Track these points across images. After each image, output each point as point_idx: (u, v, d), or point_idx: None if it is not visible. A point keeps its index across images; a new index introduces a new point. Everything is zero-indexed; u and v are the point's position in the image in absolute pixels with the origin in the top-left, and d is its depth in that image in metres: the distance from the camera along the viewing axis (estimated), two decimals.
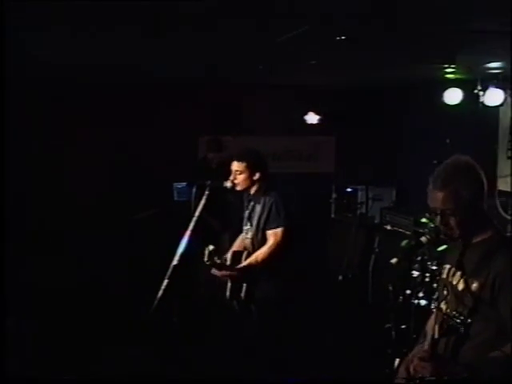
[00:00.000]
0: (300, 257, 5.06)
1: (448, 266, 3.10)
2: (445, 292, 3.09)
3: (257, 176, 4.94)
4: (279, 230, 4.84)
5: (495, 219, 3.04)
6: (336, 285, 7.74)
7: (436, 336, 2.89)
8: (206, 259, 4.62)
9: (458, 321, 2.85)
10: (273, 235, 4.85)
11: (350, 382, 5.38)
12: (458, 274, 2.99)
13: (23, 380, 4.40)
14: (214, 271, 4.87)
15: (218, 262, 4.81)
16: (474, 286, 2.86)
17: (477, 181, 2.94)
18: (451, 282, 3.02)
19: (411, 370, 3.00)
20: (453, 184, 2.92)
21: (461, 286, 2.94)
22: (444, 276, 3.12)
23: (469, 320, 2.83)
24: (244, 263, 4.89)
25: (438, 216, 2.97)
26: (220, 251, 5.03)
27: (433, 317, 3.25)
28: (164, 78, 7.46)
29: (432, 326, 3.13)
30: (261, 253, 4.86)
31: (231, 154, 5.19)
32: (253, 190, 5.02)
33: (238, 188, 4.98)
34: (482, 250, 2.89)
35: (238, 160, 4.94)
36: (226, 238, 7.05)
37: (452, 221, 2.94)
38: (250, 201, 5.12)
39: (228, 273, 4.88)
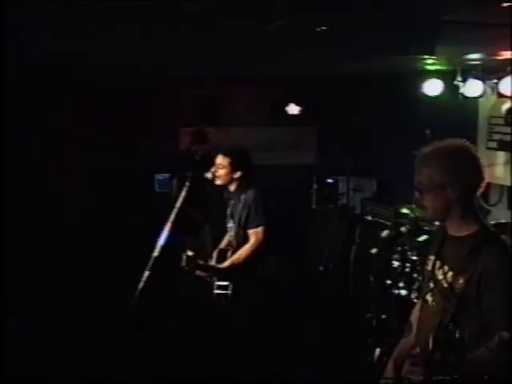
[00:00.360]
0: (281, 250, 5.08)
1: (433, 258, 3.07)
2: (431, 285, 3.07)
3: (238, 174, 4.95)
4: (260, 229, 4.87)
5: (479, 211, 3.02)
6: (317, 275, 7.77)
7: (430, 347, 2.89)
8: (184, 264, 4.60)
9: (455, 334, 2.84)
10: (254, 234, 4.88)
11: (332, 371, 5.42)
12: (445, 268, 2.96)
13: (23, 380, 4.37)
14: (199, 273, 4.88)
15: (201, 263, 4.81)
16: (460, 283, 2.82)
17: (456, 165, 2.86)
18: (436, 276, 3.00)
19: (403, 372, 3.00)
20: (430, 161, 2.88)
21: (446, 283, 2.91)
22: (429, 268, 3.08)
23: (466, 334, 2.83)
24: (227, 263, 4.91)
25: (416, 191, 2.95)
26: (201, 243, 5.05)
27: (417, 307, 3.25)
28: (146, 70, 7.41)
29: (416, 317, 3.15)
30: (243, 251, 4.89)
31: (215, 145, 5.19)
32: (232, 187, 5.02)
33: (218, 182, 4.99)
34: (468, 246, 2.84)
35: (224, 154, 4.95)
36: (207, 230, 7.05)
37: (424, 198, 2.92)
38: (229, 198, 5.13)
39: (211, 274, 4.89)
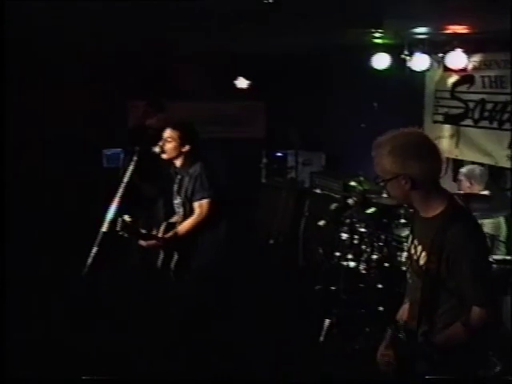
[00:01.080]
0: (230, 224, 5.09)
1: (411, 237, 3.14)
2: (409, 263, 3.16)
3: (186, 148, 4.93)
4: (204, 202, 4.86)
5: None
6: (267, 249, 7.81)
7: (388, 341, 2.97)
8: (118, 229, 4.55)
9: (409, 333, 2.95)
10: (198, 207, 4.88)
11: (281, 342, 5.47)
12: (418, 248, 3.02)
13: (23, 380, 4.29)
14: (141, 242, 4.86)
15: (143, 232, 4.78)
16: (432, 262, 2.88)
17: (408, 156, 2.85)
18: (413, 255, 3.06)
19: (379, 356, 3.10)
20: (380, 154, 2.89)
21: (421, 262, 2.97)
22: (407, 247, 3.18)
23: (419, 332, 2.93)
24: (169, 233, 4.90)
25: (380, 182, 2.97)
26: (154, 218, 5.02)
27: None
28: (95, 43, 7.28)
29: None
30: (187, 223, 4.90)
31: (167, 123, 5.14)
32: (179, 162, 5.00)
33: (165, 156, 4.96)
34: (435, 226, 2.88)
35: (173, 128, 4.93)
36: (159, 206, 7.00)
37: (386, 187, 2.96)
38: (176, 174, 5.11)
39: (154, 242, 4.87)
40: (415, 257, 3.02)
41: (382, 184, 2.96)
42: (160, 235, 4.95)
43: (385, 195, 6.25)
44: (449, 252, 2.81)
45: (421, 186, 2.86)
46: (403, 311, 3.23)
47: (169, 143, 4.92)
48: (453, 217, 2.86)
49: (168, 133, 4.93)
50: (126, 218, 4.56)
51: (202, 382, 4.68)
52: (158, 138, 5.02)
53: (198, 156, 4.99)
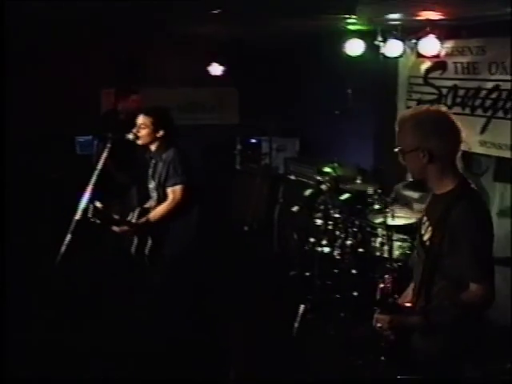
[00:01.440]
0: (205, 210, 5.09)
1: (423, 215, 3.26)
2: (419, 240, 3.26)
3: (160, 133, 4.93)
4: (177, 188, 4.86)
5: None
6: (242, 235, 7.82)
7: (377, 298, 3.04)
8: (89, 215, 4.53)
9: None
10: (171, 192, 4.88)
11: (256, 328, 5.49)
12: (427, 224, 3.14)
13: (23, 380, 4.25)
14: (114, 228, 4.84)
15: (116, 218, 4.77)
16: (437, 237, 2.99)
17: (429, 131, 3.00)
18: (420, 230, 3.20)
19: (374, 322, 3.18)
20: (404, 127, 3.06)
21: (426, 237, 3.10)
22: (419, 225, 3.29)
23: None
24: (142, 219, 4.89)
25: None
26: (128, 205, 5.00)
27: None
28: (67, 30, 7.19)
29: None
30: (159, 209, 4.90)
31: (139, 105, 5.12)
32: (154, 147, 5.00)
33: (140, 142, 4.97)
34: (445, 203, 3.01)
35: (146, 114, 4.93)
36: (133, 193, 6.97)
37: (403, 160, 3.11)
38: (151, 158, 5.10)
39: (126, 228, 4.86)
40: (422, 231, 3.15)
41: (401, 156, 3.11)
42: (134, 220, 4.94)
43: (359, 181, 6.30)
44: (452, 229, 2.92)
45: (437, 161, 3.02)
46: (407, 293, 3.34)
47: (142, 129, 4.92)
48: (460, 195, 3.00)
49: (141, 119, 4.92)
50: (98, 204, 4.54)
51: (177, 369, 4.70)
52: (131, 123, 5.00)
53: (172, 141, 4.98)
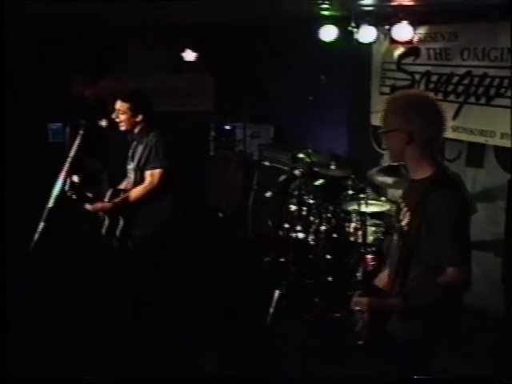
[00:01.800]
0: (177, 195, 5.08)
1: (400, 200, 3.27)
2: (396, 225, 3.27)
3: (139, 118, 4.92)
4: (157, 172, 4.85)
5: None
6: (216, 222, 7.82)
7: (359, 278, 3.04)
8: (67, 189, 4.52)
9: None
10: (150, 175, 4.87)
11: (231, 314, 5.51)
12: (405, 209, 3.16)
13: (23, 380, 4.20)
14: (87, 206, 4.82)
15: (90, 195, 4.74)
16: (415, 222, 3.01)
17: (413, 113, 3.03)
18: (398, 215, 3.21)
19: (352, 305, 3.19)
20: (389, 107, 3.11)
21: (404, 222, 3.11)
22: (397, 209, 3.30)
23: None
24: (117, 199, 4.87)
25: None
26: (99, 192, 4.97)
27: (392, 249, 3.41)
28: (40, 16, 7.10)
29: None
30: (135, 191, 4.88)
31: (110, 91, 5.09)
32: (136, 130, 5.00)
33: (121, 128, 4.95)
34: (423, 187, 3.03)
35: (122, 100, 4.91)
36: (104, 179, 6.93)
37: (385, 140, 3.17)
38: (133, 140, 5.09)
39: (100, 206, 4.83)
40: (400, 217, 3.16)
41: (382, 134, 3.17)
42: (107, 200, 4.92)
43: (333, 167, 6.32)
44: (430, 215, 2.95)
45: (417, 145, 3.04)
46: (381, 278, 3.35)
47: (121, 115, 4.91)
48: (439, 181, 3.02)
49: (118, 105, 4.91)
50: (75, 178, 4.53)
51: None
52: (99, 109, 4.98)
53: (153, 125, 4.97)
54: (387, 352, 3.15)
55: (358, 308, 3.14)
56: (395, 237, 3.27)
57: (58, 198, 4.44)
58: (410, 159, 3.11)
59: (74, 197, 4.57)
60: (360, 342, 3.17)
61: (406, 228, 3.07)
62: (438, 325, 3.11)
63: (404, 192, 3.30)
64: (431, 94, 3.24)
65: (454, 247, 2.95)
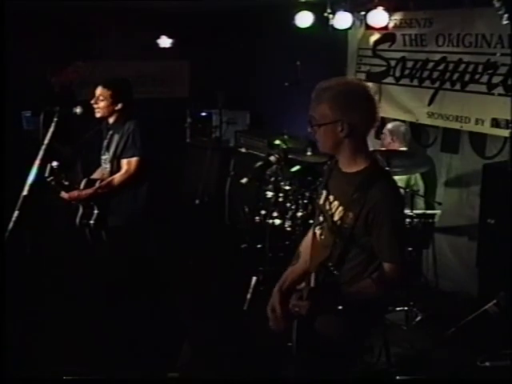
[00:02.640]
0: (155, 183, 5.06)
1: (325, 193, 3.12)
2: (320, 218, 3.15)
3: (119, 106, 4.88)
4: (134, 160, 4.83)
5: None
6: (193, 209, 7.80)
7: (312, 285, 2.96)
8: (47, 175, 4.48)
9: (332, 275, 2.94)
10: (126, 164, 4.84)
11: (208, 301, 5.51)
12: (335, 203, 3.02)
13: (23, 380, 4.16)
14: (63, 194, 4.79)
15: (66, 183, 4.71)
16: (349, 217, 2.90)
17: (349, 104, 2.87)
18: (328, 210, 3.05)
19: (290, 306, 3.04)
20: (323, 98, 2.90)
21: (336, 217, 2.98)
22: (321, 202, 3.15)
23: (336, 272, 2.92)
24: (92, 188, 4.84)
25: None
26: (74, 181, 4.94)
27: (307, 238, 3.32)
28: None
29: (305, 248, 3.23)
30: (111, 179, 4.85)
31: (80, 77, 5.04)
32: (112, 119, 4.96)
33: (98, 115, 4.91)
34: (357, 182, 2.90)
35: (104, 86, 4.86)
36: (78, 167, 6.89)
37: (316, 133, 2.97)
38: (108, 130, 5.04)
39: (76, 194, 4.80)
40: (330, 212, 3.02)
41: (315, 128, 2.96)
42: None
43: (309, 153, 6.32)
44: (369, 209, 2.83)
45: (354, 136, 2.88)
46: (291, 273, 3.26)
47: (101, 102, 4.86)
48: (375, 175, 2.90)
49: (99, 91, 4.86)
50: (54, 164, 4.50)
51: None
52: (66, 96, 4.92)
53: (131, 113, 4.93)
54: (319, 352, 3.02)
55: (296, 309, 2.94)
56: (323, 232, 3.12)
57: (32, 185, 4.39)
58: (345, 152, 2.94)
59: (52, 183, 4.53)
60: (290, 344, 3.04)
61: (339, 223, 2.94)
62: (368, 320, 3.06)
63: (332, 186, 3.10)
64: (363, 81, 3.05)
65: (394, 243, 2.85)
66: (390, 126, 6.15)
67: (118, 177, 4.85)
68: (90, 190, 4.83)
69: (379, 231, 2.84)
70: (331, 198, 3.05)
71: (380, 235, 2.85)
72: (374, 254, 2.92)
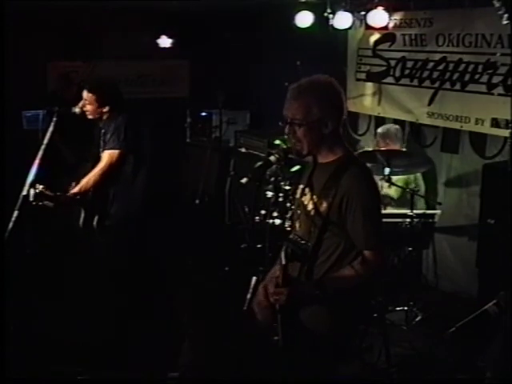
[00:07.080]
0: (150, 183, 5.05)
1: (301, 186, 3.18)
2: (298, 211, 3.18)
3: (106, 109, 4.87)
4: (115, 152, 4.80)
5: (344, 139, 3.14)
6: (193, 208, 7.79)
7: (283, 262, 2.98)
8: (31, 199, 4.39)
9: (301, 245, 2.95)
10: (107, 155, 4.80)
11: (207, 301, 5.51)
12: (309, 194, 3.08)
13: (23, 380, 4.17)
14: (47, 203, 4.67)
15: (51, 194, 4.58)
16: (323, 206, 2.94)
17: (331, 100, 2.96)
18: (303, 202, 3.11)
19: (269, 296, 3.09)
20: (306, 97, 2.94)
21: (310, 206, 3.03)
22: (298, 196, 3.21)
23: (309, 244, 2.94)
24: (75, 189, 4.77)
25: (287, 125, 3.02)
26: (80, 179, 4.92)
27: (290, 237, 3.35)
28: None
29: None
30: (92, 175, 4.78)
31: (82, 84, 5.02)
32: (103, 118, 4.95)
33: (89, 117, 4.90)
34: (330, 171, 2.96)
35: (89, 91, 4.84)
36: (80, 166, 6.88)
37: (299, 133, 2.99)
38: (101, 129, 5.04)
39: (61, 200, 4.71)
40: (306, 202, 3.08)
41: (295, 128, 2.98)
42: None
43: None
44: (342, 196, 2.89)
45: (334, 131, 2.98)
46: (276, 270, 3.25)
47: (88, 105, 4.86)
48: (348, 163, 2.98)
49: (85, 95, 4.85)
50: (40, 187, 4.42)
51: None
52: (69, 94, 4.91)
53: (120, 111, 4.92)
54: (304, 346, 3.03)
55: (276, 298, 2.98)
56: (298, 224, 3.17)
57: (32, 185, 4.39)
58: (325, 146, 3.03)
59: (39, 204, 4.44)
60: (276, 338, 3.06)
61: (313, 212, 2.99)
62: (354, 311, 3.06)
63: (307, 176, 3.18)
64: (329, 76, 3.08)
65: (368, 229, 2.89)
66: (380, 130, 6.17)
67: (97, 171, 4.79)
68: (75, 189, 4.77)
69: (353, 218, 2.88)
70: (307, 189, 3.11)
71: (354, 222, 2.89)
72: (351, 245, 2.95)
